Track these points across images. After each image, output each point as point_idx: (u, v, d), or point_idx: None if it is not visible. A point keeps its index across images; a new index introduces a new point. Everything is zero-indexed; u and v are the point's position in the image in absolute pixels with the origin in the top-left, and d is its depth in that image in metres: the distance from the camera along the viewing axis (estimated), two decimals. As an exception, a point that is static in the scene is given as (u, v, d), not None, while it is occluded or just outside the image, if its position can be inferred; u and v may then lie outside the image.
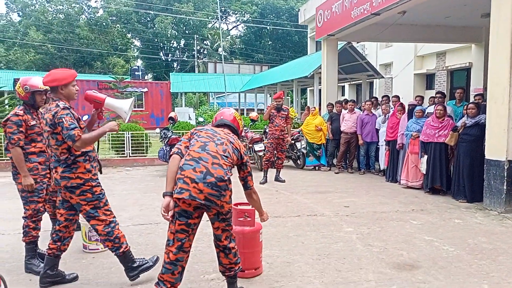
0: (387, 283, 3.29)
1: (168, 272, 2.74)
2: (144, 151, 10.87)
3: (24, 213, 3.59)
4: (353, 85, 21.97)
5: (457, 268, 3.58)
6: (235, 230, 3.41)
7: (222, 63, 17.16)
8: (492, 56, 5.68)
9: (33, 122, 3.62)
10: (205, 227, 4.76)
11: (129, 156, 10.51)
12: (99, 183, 3.23)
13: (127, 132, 10.55)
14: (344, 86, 23.63)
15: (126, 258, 3.25)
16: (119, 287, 3.25)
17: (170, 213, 2.74)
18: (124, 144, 10.51)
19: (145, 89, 22.60)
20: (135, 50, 43.62)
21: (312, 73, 13.02)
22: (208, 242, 4.27)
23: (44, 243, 4.05)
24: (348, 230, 4.69)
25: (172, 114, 10.10)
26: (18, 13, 39.20)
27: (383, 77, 15.79)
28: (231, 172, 2.81)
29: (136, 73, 25.25)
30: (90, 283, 3.31)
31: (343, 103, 9.57)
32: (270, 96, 22.41)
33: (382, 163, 8.33)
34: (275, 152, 7.95)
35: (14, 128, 3.50)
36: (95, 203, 3.16)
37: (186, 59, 42.25)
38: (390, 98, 8.91)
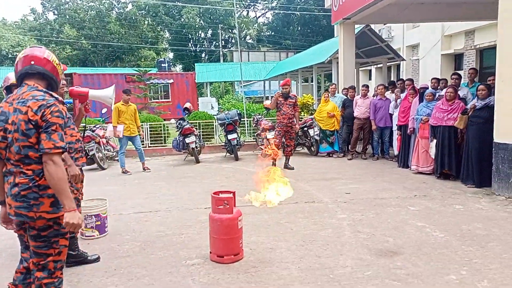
0: (363, 269, 3.28)
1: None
2: (162, 141, 11.18)
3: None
4: (380, 69, 21.35)
5: (441, 254, 3.50)
6: (213, 218, 3.53)
7: (238, 51, 17.17)
8: (501, 34, 5.38)
9: None
10: (200, 214, 4.94)
11: (148, 147, 10.84)
12: None
13: (146, 123, 10.87)
14: (371, 70, 23.04)
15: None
16: (104, 271, 3.43)
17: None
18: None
19: (171, 80, 23.03)
20: (165, 43, 44.35)
21: (329, 58, 12.79)
22: (199, 229, 4.42)
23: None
24: (341, 217, 4.67)
25: (187, 105, 10.31)
26: (53, 12, 40.84)
27: (404, 60, 15.25)
28: (42, 173, 2.18)
29: (163, 65, 25.72)
30: (78, 267, 3.52)
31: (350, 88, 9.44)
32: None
33: (396, 148, 8.15)
34: (284, 140, 7.97)
35: None
36: None
37: (214, 49, 42.57)
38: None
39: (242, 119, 11.84)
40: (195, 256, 3.67)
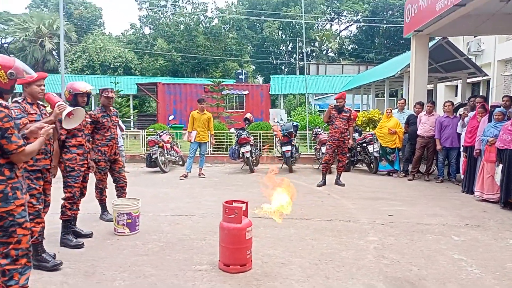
0: (369, 297, 3.05)
1: None
2: (224, 150, 11.53)
3: (63, 195, 4.27)
4: (468, 84, 19.58)
5: (466, 292, 3.11)
6: (222, 226, 3.57)
7: (304, 63, 17.00)
8: None
9: None
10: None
11: (210, 154, 11.26)
12: None
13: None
14: (457, 85, 21.25)
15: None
16: (119, 266, 3.65)
17: None
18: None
19: (246, 92, 23.68)
20: (246, 56, 45.83)
21: (400, 72, 12.09)
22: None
23: (81, 224, 4.70)
24: (370, 239, 4.38)
25: (247, 115, 10.56)
26: (149, 27, 44.80)
27: (486, 75, 13.82)
28: None
29: (240, 76, 26.63)
30: (99, 260, 3.79)
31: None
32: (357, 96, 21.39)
33: (461, 171, 7.40)
34: (335, 155, 7.73)
35: None
36: None
37: (293, 62, 42.89)
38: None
39: (304, 132, 11.77)
40: (206, 262, 3.73)
